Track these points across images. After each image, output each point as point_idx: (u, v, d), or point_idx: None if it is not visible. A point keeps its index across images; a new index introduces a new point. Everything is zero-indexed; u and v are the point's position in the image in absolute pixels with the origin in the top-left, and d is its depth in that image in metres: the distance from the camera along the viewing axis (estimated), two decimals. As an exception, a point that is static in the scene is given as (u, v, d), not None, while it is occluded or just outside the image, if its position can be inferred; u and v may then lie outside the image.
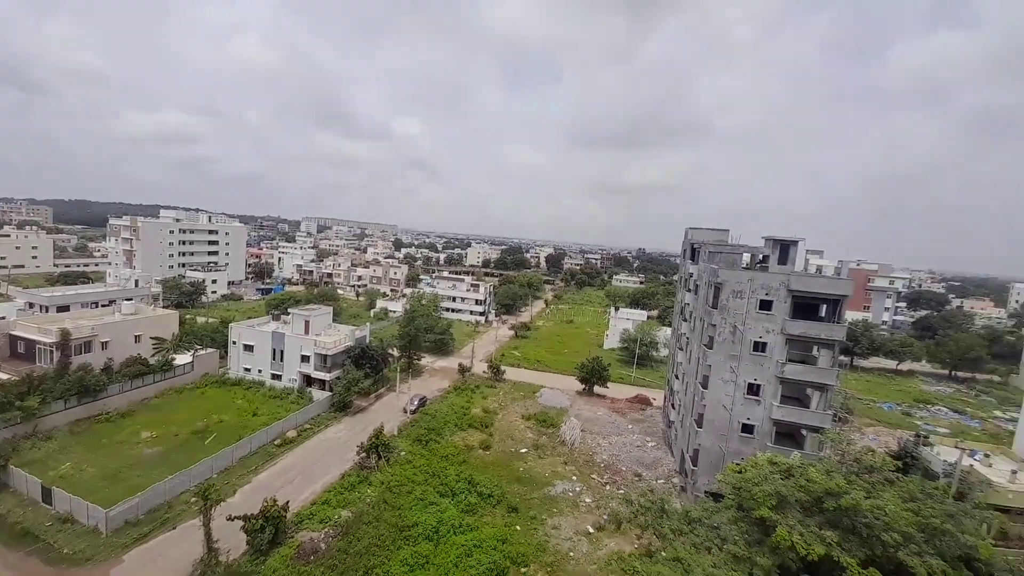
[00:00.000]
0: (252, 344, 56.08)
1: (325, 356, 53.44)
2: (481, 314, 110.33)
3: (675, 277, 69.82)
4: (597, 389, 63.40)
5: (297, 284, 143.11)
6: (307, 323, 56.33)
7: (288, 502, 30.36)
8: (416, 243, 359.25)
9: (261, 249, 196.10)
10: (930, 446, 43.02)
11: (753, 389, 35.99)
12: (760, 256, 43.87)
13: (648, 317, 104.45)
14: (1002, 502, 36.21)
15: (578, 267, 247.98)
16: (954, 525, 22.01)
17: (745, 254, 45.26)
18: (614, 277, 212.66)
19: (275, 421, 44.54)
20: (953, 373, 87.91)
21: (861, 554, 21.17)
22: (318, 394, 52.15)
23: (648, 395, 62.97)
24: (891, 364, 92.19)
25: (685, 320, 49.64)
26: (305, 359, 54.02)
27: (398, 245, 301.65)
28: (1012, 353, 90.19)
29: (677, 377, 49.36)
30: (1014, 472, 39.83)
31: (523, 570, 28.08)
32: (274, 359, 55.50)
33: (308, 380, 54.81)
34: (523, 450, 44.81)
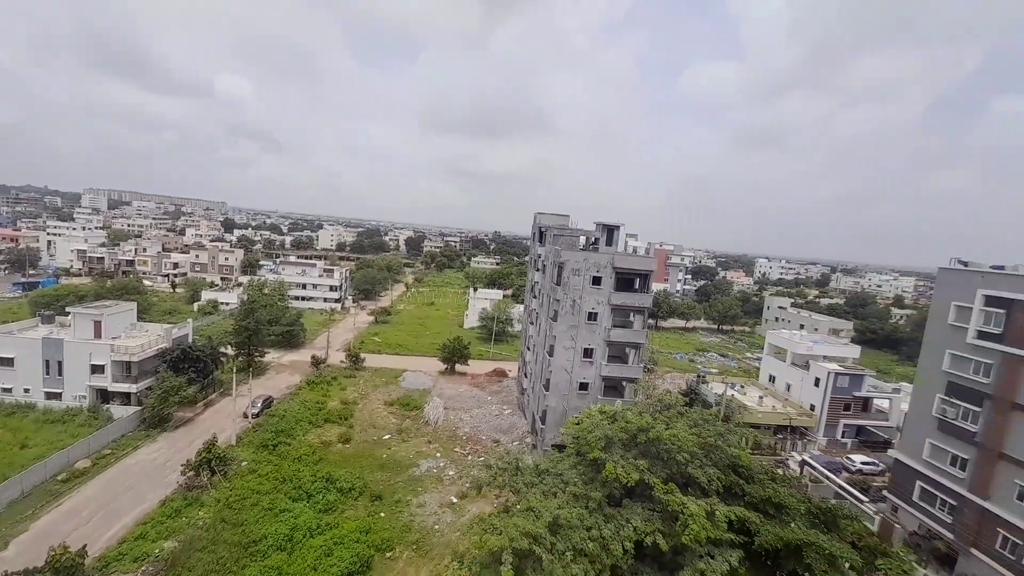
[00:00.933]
0: (10, 356, 42.07)
1: (128, 364, 43.07)
2: (337, 301, 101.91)
3: (527, 258, 74.78)
4: (459, 367, 64.59)
5: (80, 275, 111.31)
6: (98, 324, 44.38)
7: (85, 545, 24.09)
8: (254, 224, 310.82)
9: (18, 230, 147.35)
10: (706, 383, 55.00)
11: (588, 353, 40.83)
12: (592, 239, 49.48)
13: (504, 296, 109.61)
14: (754, 420, 48.48)
15: (438, 250, 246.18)
16: (724, 442, 28.56)
17: (582, 237, 50.57)
18: (473, 259, 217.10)
19: (55, 452, 34.49)
20: (720, 327, 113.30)
21: (664, 474, 26.05)
22: (120, 411, 41.77)
23: (505, 368, 66.59)
24: (682, 323, 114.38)
25: (535, 297, 53.48)
26: (98, 370, 42.65)
27: (229, 226, 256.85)
28: (757, 310, 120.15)
29: (529, 349, 53.16)
30: (761, 397, 53.54)
31: (388, 555, 27.51)
32: (48, 373, 42.58)
33: (105, 395, 43.58)
34: (386, 436, 43.40)
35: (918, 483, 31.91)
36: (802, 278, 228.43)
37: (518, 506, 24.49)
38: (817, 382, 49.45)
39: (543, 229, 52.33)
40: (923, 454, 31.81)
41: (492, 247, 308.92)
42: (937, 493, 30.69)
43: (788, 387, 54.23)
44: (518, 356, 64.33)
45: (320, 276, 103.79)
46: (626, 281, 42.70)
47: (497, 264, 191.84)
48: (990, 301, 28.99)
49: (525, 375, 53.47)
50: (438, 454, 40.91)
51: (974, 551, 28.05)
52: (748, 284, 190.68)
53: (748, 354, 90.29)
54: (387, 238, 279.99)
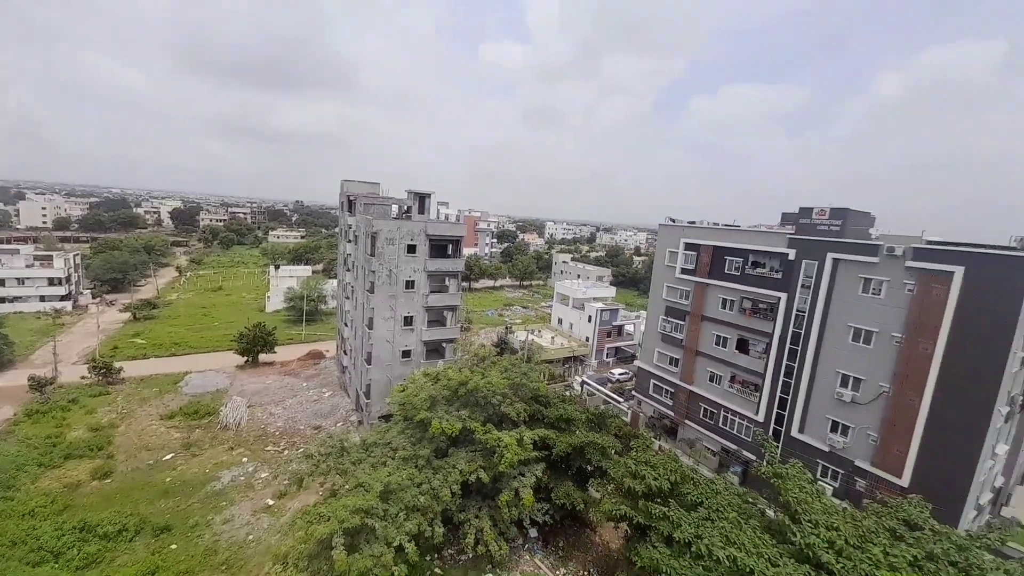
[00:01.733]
0: None
1: None
2: (65, 297, 74.39)
3: (336, 230, 68.25)
4: (264, 357, 56.16)
5: None
6: None
7: None
8: None
9: None
10: (512, 333, 62.04)
11: (408, 321, 40.82)
12: (405, 207, 48.30)
13: (313, 272, 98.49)
14: (549, 357, 57.11)
15: (222, 223, 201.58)
16: (527, 379, 33.05)
17: (394, 205, 48.74)
18: (271, 233, 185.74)
19: None
20: (522, 283, 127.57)
21: (482, 417, 28.85)
22: None
23: (321, 349, 61.06)
24: (491, 283, 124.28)
25: (349, 270, 49.78)
26: None
27: None
28: (547, 266, 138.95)
29: (347, 324, 49.82)
30: (552, 337, 63.12)
31: (191, 584, 23.33)
32: None
33: None
34: (168, 456, 35.26)
35: (652, 381, 43.55)
36: (578, 236, 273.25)
37: (347, 486, 23.73)
38: (589, 319, 61.24)
39: (352, 198, 48.43)
40: (653, 360, 43.38)
41: (295, 219, 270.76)
42: (663, 386, 42.53)
43: (571, 326, 65.56)
44: (335, 334, 59.74)
45: (31, 266, 73.80)
46: (440, 248, 43.60)
47: (302, 238, 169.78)
48: (688, 247, 40.35)
49: (345, 352, 50.27)
50: (244, 459, 35.63)
51: (687, 422, 40.28)
52: (541, 244, 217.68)
53: (543, 303, 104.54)
54: (141, 211, 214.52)
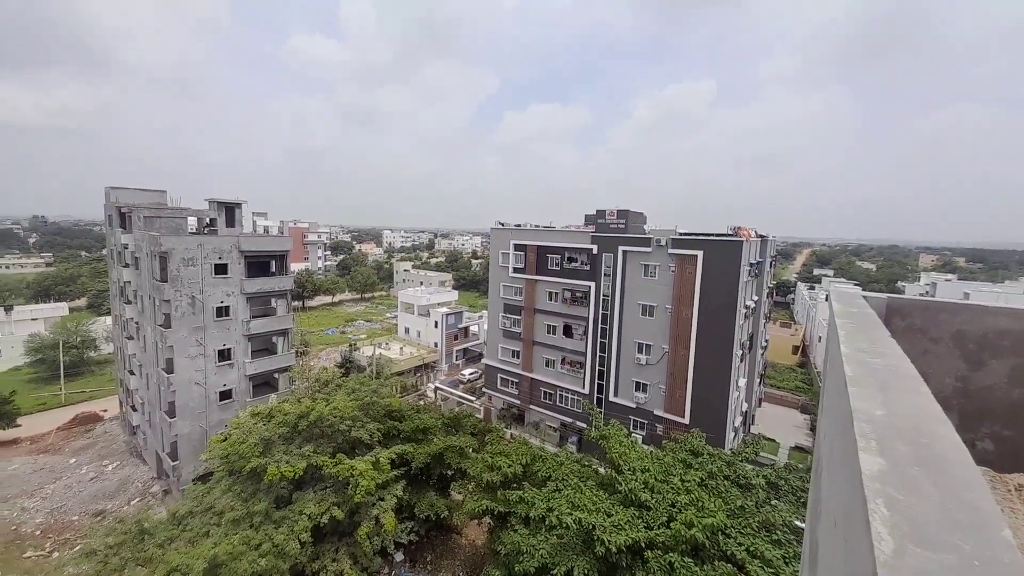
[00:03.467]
0: None
1: None
2: None
3: (104, 252, 51.54)
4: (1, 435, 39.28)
5: None
6: None
7: None
8: None
9: None
10: (358, 349, 57.65)
11: (224, 355, 33.91)
12: (207, 219, 39.65)
13: (72, 310, 73.10)
14: (399, 369, 54.81)
15: None
16: (377, 396, 31.04)
17: (191, 218, 39.50)
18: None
19: None
20: (363, 296, 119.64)
21: (331, 448, 25.98)
22: None
23: (95, 410, 45.94)
24: (328, 299, 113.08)
25: (129, 302, 38.50)
26: None
27: None
28: (389, 276, 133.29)
29: (133, 372, 38.56)
30: (401, 348, 60.80)
31: None
32: None
33: None
34: None
35: (499, 375, 45.99)
36: (416, 243, 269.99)
37: None
38: (436, 324, 61.18)
39: (125, 210, 37.52)
40: (498, 356, 45.87)
41: (35, 240, 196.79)
42: (509, 378, 45.31)
43: (419, 334, 64.38)
44: (117, 387, 45.64)
45: None
46: (260, 265, 37.35)
47: (49, 265, 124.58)
48: (517, 247, 43.69)
49: (134, 408, 38.89)
50: (-24, 583, 24.55)
51: (532, 406, 43.65)
52: (379, 254, 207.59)
53: (388, 315, 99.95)
54: None
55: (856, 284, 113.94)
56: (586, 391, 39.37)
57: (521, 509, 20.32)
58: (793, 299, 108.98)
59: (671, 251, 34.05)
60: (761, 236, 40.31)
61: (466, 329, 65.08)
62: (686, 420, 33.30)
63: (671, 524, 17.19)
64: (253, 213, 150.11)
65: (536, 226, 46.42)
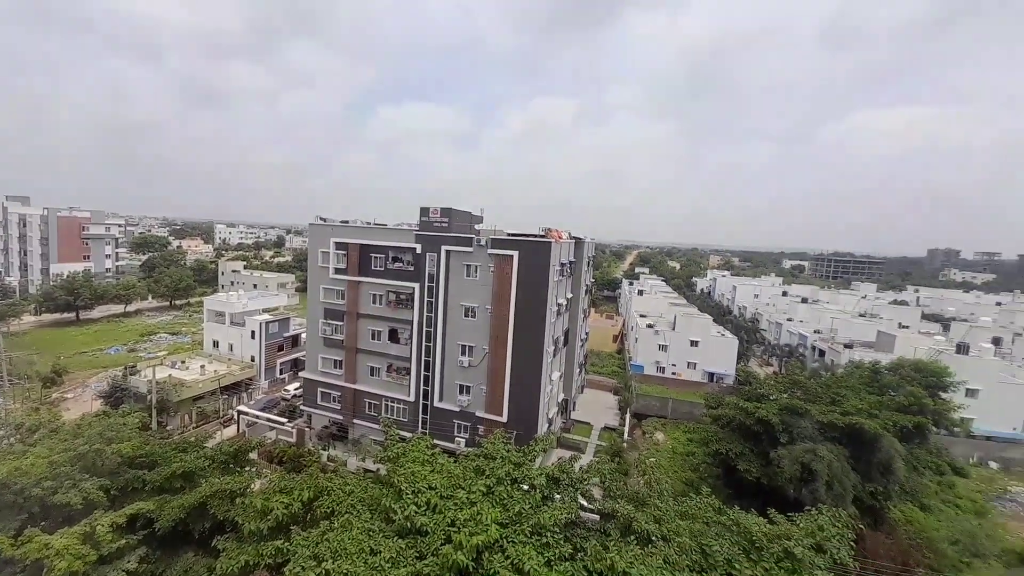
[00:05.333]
0: None
1: None
2: None
3: None
4: None
5: None
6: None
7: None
8: None
9: None
10: (137, 373, 44.68)
11: None
12: None
13: None
14: (196, 392, 44.02)
15: None
16: (116, 439, 23.08)
17: None
18: None
19: None
20: (173, 302, 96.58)
21: (18, 524, 17.98)
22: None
23: None
24: (120, 308, 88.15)
25: None
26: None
27: None
28: (213, 277, 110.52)
29: None
30: (203, 366, 49.08)
31: None
32: None
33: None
34: None
35: (319, 389, 40.04)
36: (262, 240, 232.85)
37: None
38: (253, 334, 51.33)
39: None
40: (318, 367, 39.91)
41: None
42: (330, 391, 39.73)
43: (231, 347, 53.32)
44: None
45: None
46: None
47: None
48: (338, 246, 38.38)
49: None
50: None
51: (356, 421, 38.83)
52: (207, 252, 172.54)
53: (202, 326, 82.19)
54: None
55: (663, 279, 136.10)
56: (412, 399, 36.46)
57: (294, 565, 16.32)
58: (619, 294, 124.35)
59: (490, 251, 33.35)
60: (576, 238, 42.91)
61: (295, 337, 56.28)
62: (504, 418, 32.99)
63: (443, 548, 15.35)
64: (7, 197, 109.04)
65: (367, 223, 41.75)
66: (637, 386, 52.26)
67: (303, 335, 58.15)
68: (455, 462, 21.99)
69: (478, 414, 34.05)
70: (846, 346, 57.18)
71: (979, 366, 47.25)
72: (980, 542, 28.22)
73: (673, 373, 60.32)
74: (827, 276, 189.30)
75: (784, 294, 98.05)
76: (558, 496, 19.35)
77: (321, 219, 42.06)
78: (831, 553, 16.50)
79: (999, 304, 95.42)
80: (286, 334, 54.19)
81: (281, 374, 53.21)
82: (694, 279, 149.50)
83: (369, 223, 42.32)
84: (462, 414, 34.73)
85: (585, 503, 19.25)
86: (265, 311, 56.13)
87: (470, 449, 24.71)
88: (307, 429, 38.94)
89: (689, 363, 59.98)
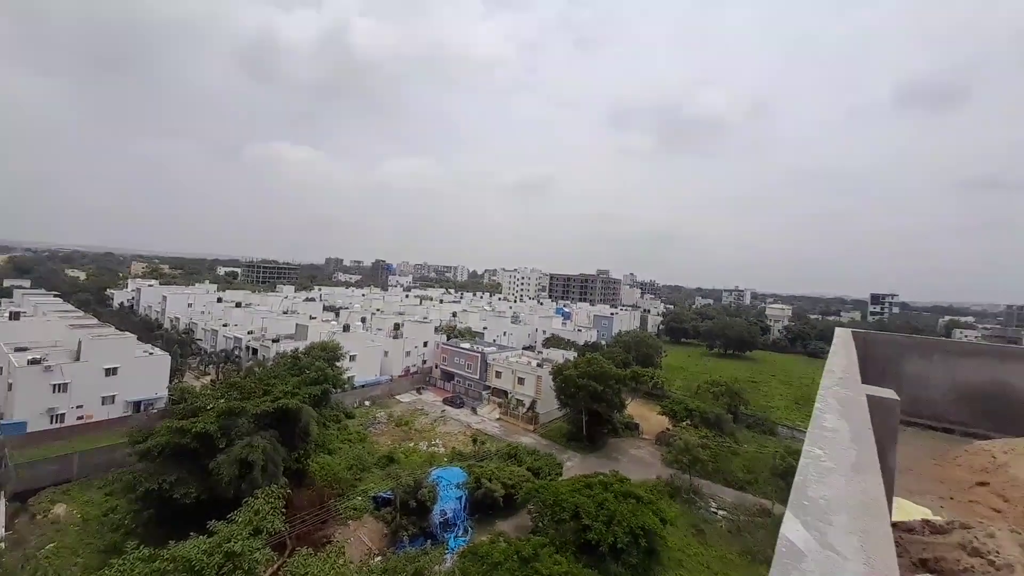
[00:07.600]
0: None
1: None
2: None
3: None
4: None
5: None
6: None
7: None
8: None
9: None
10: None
11: None
12: None
13: None
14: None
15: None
16: None
17: None
18: None
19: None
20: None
21: None
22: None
23: None
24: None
25: None
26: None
27: None
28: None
29: None
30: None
31: None
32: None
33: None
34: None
35: None
36: None
37: None
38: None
39: None
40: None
41: None
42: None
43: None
44: None
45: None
46: None
47: None
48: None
49: None
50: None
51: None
52: None
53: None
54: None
55: (56, 295, 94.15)
56: None
57: None
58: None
59: None
60: None
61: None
62: None
63: None
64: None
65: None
66: (12, 453, 33.84)
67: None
68: None
69: None
70: (274, 341, 63.91)
71: (355, 338, 69.27)
72: (363, 458, 41.95)
73: (80, 417, 44.05)
74: (258, 281, 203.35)
75: (219, 300, 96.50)
76: None
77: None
78: (267, 529, 19.29)
79: (363, 295, 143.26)
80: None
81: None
82: (110, 291, 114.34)
83: None
84: None
85: None
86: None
87: None
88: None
89: (105, 398, 46.04)
